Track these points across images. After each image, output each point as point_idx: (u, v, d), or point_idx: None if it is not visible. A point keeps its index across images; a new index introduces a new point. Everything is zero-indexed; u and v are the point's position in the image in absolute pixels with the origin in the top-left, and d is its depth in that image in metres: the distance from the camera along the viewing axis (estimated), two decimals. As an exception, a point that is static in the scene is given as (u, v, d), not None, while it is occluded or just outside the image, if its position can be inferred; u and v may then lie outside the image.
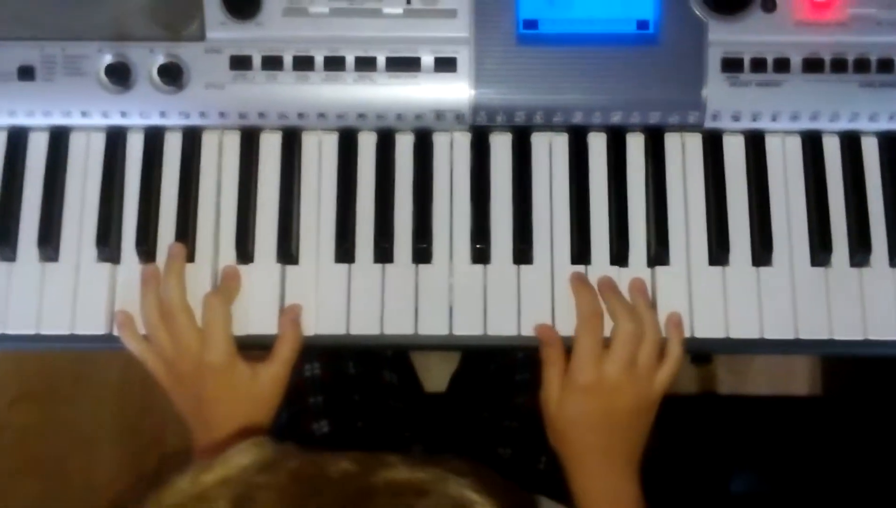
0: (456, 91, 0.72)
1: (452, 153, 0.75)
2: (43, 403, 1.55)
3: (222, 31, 0.72)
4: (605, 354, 0.69)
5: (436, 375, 1.06)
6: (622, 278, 0.73)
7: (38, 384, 1.55)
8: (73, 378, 1.56)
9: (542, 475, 0.85)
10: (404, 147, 0.75)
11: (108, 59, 0.72)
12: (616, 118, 0.74)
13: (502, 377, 0.94)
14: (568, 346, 0.71)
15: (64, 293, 0.73)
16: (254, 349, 0.72)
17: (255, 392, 0.71)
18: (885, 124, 0.74)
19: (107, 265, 0.73)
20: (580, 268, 0.73)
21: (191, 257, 0.73)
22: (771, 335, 0.72)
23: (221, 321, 0.70)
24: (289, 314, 0.72)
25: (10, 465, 1.53)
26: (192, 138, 0.75)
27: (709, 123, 0.73)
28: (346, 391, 0.91)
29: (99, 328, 0.72)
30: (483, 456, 0.85)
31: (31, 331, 0.72)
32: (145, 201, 0.74)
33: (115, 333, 0.72)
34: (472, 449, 0.87)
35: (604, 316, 0.71)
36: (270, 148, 0.75)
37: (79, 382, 1.55)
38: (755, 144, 0.75)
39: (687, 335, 0.72)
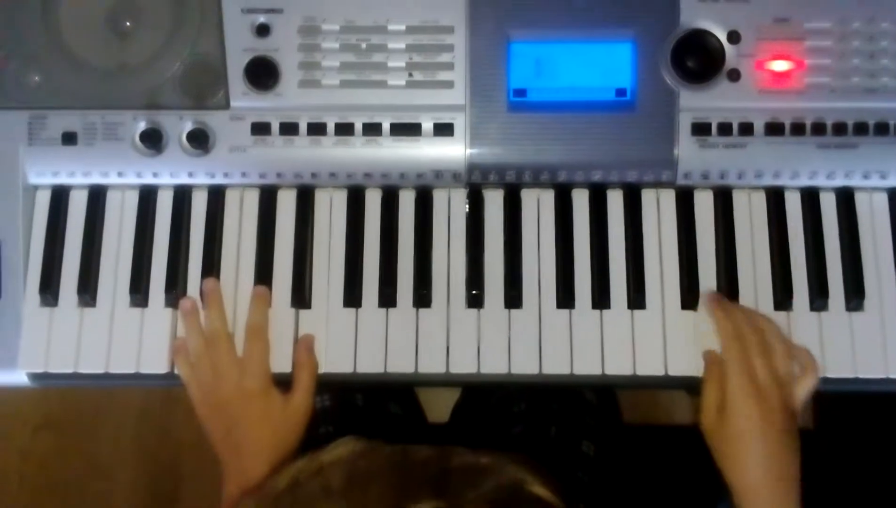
0: (453, 153, 0.79)
1: (450, 208, 0.81)
2: (64, 431, 1.58)
3: (245, 100, 0.79)
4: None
5: (439, 406, 1.09)
6: (605, 321, 0.78)
7: (60, 413, 1.58)
8: (94, 407, 1.58)
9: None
10: (407, 203, 0.81)
11: (142, 126, 0.78)
12: (597, 176, 0.80)
13: (501, 408, 0.97)
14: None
15: (100, 336, 0.79)
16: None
17: (285, 420, 0.75)
18: (841, 181, 0.80)
19: (139, 310, 0.79)
20: (564, 312, 0.78)
21: (213, 302, 0.78)
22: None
23: (260, 351, 0.76)
24: (303, 343, 0.77)
25: (32, 490, 1.56)
26: (216, 196, 0.81)
27: (681, 181, 0.79)
28: (355, 422, 0.95)
29: (130, 367, 0.78)
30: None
31: (69, 370, 0.78)
32: (174, 252, 0.80)
33: (145, 370, 0.78)
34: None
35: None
36: (286, 204, 0.81)
37: (99, 411, 1.58)
38: (723, 199, 0.80)
39: (661, 373, 0.77)
